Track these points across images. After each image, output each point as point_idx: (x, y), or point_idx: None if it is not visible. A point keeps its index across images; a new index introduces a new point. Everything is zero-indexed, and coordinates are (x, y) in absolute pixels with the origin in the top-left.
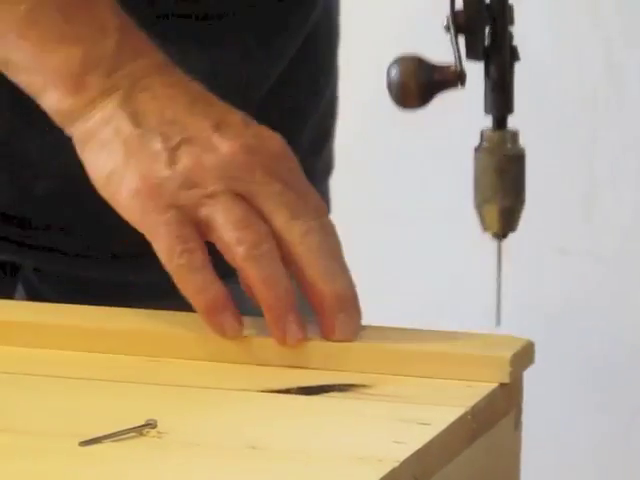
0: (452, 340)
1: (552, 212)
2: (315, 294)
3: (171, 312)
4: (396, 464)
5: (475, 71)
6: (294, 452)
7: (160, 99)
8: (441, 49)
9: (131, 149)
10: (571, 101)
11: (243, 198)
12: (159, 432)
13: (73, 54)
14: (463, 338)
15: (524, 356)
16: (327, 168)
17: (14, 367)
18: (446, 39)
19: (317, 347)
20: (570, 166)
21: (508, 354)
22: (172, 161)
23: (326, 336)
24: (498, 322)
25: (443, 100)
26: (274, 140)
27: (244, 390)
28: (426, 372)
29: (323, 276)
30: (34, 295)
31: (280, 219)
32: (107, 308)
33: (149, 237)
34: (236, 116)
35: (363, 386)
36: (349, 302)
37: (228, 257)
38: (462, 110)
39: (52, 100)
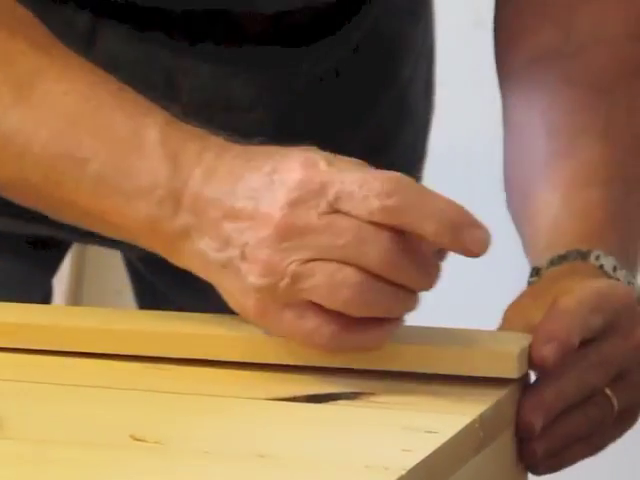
0: (459, 336)
1: None
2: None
3: (181, 313)
4: (403, 472)
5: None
6: (302, 460)
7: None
8: None
9: (230, 274)
10: None
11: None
12: (166, 440)
13: (139, 212)
14: (470, 334)
15: None
16: None
17: (22, 375)
18: None
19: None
20: None
21: (516, 350)
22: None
23: (468, 255)
24: None
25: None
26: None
27: (251, 398)
28: (432, 368)
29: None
30: (139, 279)
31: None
32: (115, 310)
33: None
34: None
35: (370, 394)
36: (462, 220)
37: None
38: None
39: (158, 252)
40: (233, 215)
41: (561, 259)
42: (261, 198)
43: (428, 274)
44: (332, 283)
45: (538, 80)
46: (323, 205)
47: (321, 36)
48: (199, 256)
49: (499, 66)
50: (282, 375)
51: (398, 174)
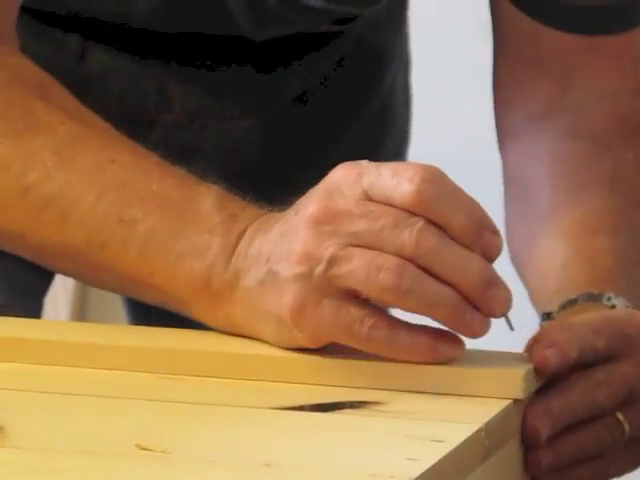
0: (466, 356)
1: None
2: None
3: (183, 330)
4: None
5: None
6: (308, 469)
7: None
8: None
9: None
10: None
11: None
12: (172, 449)
13: (191, 270)
14: (477, 354)
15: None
16: None
17: (26, 384)
18: None
19: (329, 364)
20: None
21: (522, 370)
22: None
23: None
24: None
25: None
26: None
27: (257, 407)
28: (439, 388)
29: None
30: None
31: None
32: (120, 325)
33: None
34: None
35: (376, 403)
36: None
37: (384, 303)
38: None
39: (195, 314)
40: (278, 236)
41: (572, 302)
42: (301, 206)
43: (472, 269)
44: (370, 266)
45: (539, 134)
46: (358, 193)
47: (307, 53)
48: (243, 296)
49: (498, 124)
50: (288, 384)
51: (432, 165)
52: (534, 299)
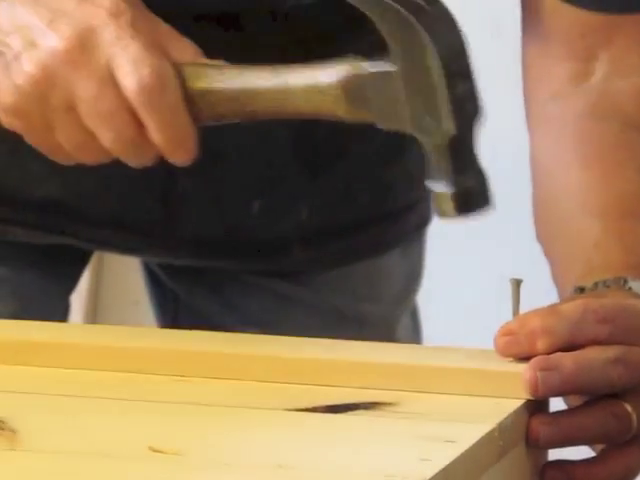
0: (478, 357)
1: None
2: None
3: (196, 331)
4: None
5: None
6: (321, 470)
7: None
8: None
9: None
10: None
11: None
12: (185, 451)
13: None
14: (489, 355)
15: None
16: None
17: (39, 387)
18: None
19: (342, 365)
20: None
21: None
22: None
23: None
24: None
25: None
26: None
27: (270, 409)
28: (452, 389)
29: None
30: (157, 285)
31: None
32: (133, 328)
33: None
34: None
35: (389, 404)
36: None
37: None
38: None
39: None
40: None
41: (606, 284)
42: None
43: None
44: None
45: (564, 115)
46: None
47: (336, 44)
48: None
49: (526, 104)
50: (301, 386)
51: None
52: (557, 272)
